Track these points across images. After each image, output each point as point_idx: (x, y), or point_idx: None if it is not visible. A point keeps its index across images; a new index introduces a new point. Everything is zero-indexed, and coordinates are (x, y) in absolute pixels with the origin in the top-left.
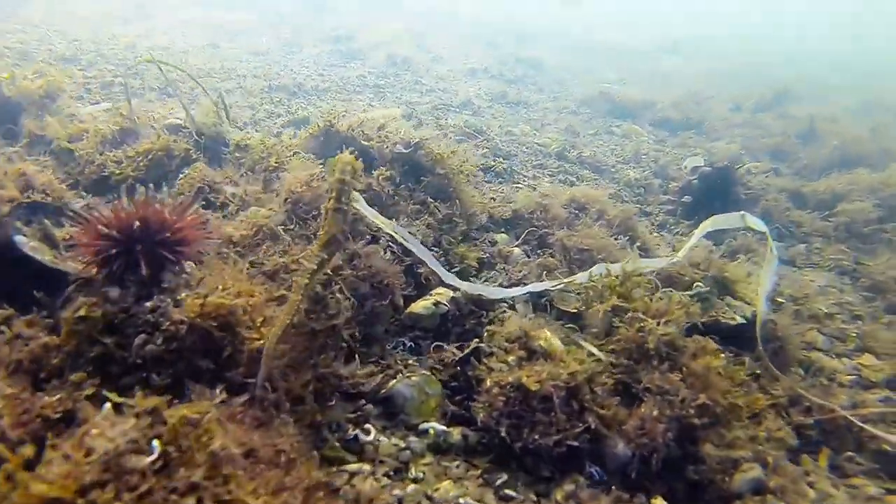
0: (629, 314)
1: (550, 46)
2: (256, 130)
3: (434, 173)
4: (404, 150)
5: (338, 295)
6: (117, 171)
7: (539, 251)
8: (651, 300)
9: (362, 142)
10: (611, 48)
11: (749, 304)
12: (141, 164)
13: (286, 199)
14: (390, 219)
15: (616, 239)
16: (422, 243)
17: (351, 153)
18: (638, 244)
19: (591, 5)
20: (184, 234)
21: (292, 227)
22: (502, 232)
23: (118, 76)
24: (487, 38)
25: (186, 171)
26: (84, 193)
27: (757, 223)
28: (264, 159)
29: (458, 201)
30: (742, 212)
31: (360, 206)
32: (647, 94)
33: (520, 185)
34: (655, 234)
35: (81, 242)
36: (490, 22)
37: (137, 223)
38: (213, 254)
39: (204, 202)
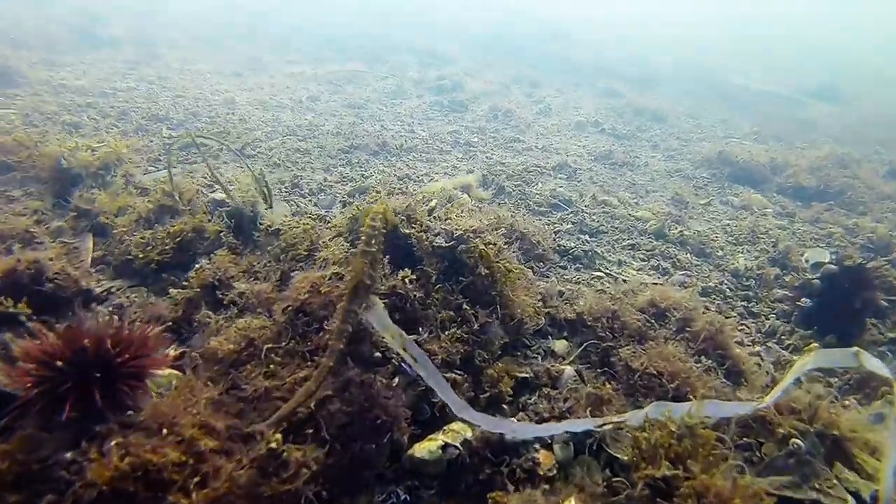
0: (680, 492)
1: (678, 91)
2: (314, 203)
3: (475, 273)
4: (444, 244)
5: (302, 448)
6: (141, 255)
7: (598, 370)
8: (716, 471)
9: (402, 230)
10: (755, 93)
11: (870, 479)
12: (168, 246)
13: (287, 307)
14: (412, 331)
15: (699, 361)
16: (444, 361)
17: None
18: (727, 366)
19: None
20: (139, 364)
21: (288, 342)
22: (563, 337)
23: (198, 136)
24: (605, 85)
25: (202, 263)
26: (105, 279)
27: (878, 367)
28: (293, 247)
29: (498, 307)
30: (856, 349)
31: (371, 314)
32: (778, 154)
33: (600, 273)
34: (758, 348)
35: (23, 368)
36: (610, 61)
37: (86, 350)
38: (177, 382)
39: (211, 301)
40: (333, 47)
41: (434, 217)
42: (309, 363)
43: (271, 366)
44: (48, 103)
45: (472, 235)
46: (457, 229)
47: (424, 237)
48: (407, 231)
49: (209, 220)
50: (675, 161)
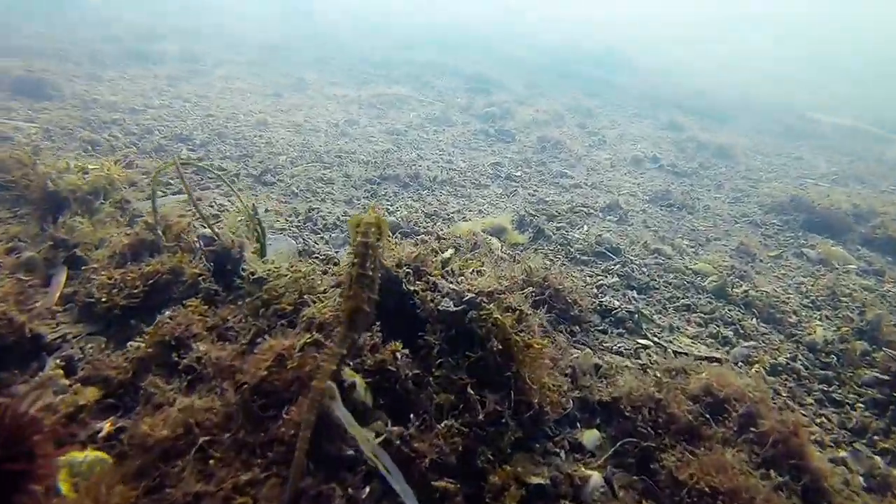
0: None
1: (747, 125)
2: (326, 241)
3: (486, 347)
4: (452, 308)
5: None
6: (104, 299)
7: (635, 477)
8: None
9: (406, 286)
10: (832, 127)
11: None
12: (138, 289)
13: (241, 385)
14: (400, 419)
15: (766, 475)
16: (434, 463)
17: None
18: (804, 481)
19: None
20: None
21: (236, 432)
22: (595, 426)
23: (187, 163)
24: (667, 117)
25: (165, 314)
26: (66, 323)
27: None
28: (277, 299)
29: (513, 392)
30: None
31: (335, 406)
32: (861, 199)
33: (647, 342)
34: (842, 452)
35: None
36: (674, 90)
37: None
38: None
39: (167, 364)
40: (381, 71)
41: (449, 271)
42: (259, 461)
43: (211, 461)
44: (73, 118)
45: (485, 300)
46: (469, 289)
47: (429, 297)
48: (412, 287)
49: (190, 261)
50: (742, 204)
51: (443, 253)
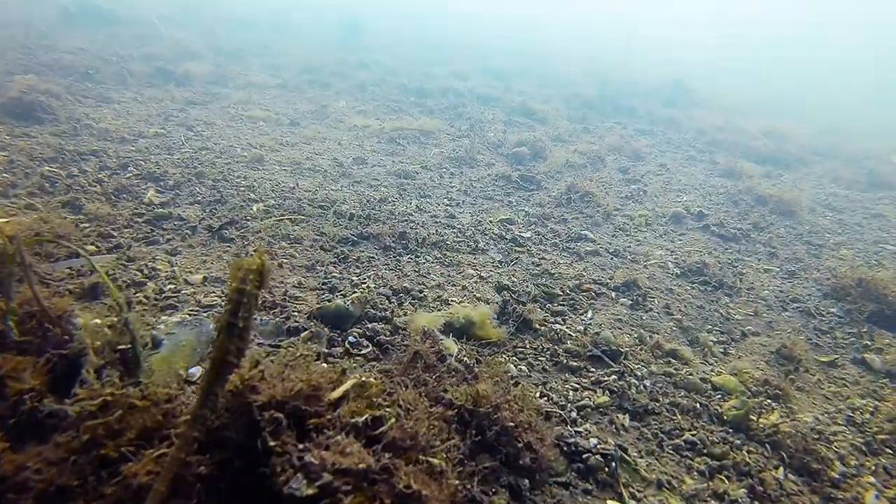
0: None
1: (823, 172)
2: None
3: None
4: (300, 494)
5: None
6: None
7: None
8: None
9: (266, 440)
10: None
11: None
12: None
13: None
14: None
15: None
16: None
17: None
18: None
19: None
20: None
21: None
22: None
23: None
24: (726, 162)
25: None
26: None
27: None
28: (101, 440)
29: None
30: None
31: None
32: None
33: None
34: None
35: None
36: (739, 129)
37: None
38: None
39: None
40: (419, 99)
41: (336, 417)
42: None
43: None
44: (49, 148)
45: (347, 486)
46: (336, 463)
47: (281, 468)
48: (271, 444)
49: (34, 367)
50: (796, 281)
51: (345, 380)
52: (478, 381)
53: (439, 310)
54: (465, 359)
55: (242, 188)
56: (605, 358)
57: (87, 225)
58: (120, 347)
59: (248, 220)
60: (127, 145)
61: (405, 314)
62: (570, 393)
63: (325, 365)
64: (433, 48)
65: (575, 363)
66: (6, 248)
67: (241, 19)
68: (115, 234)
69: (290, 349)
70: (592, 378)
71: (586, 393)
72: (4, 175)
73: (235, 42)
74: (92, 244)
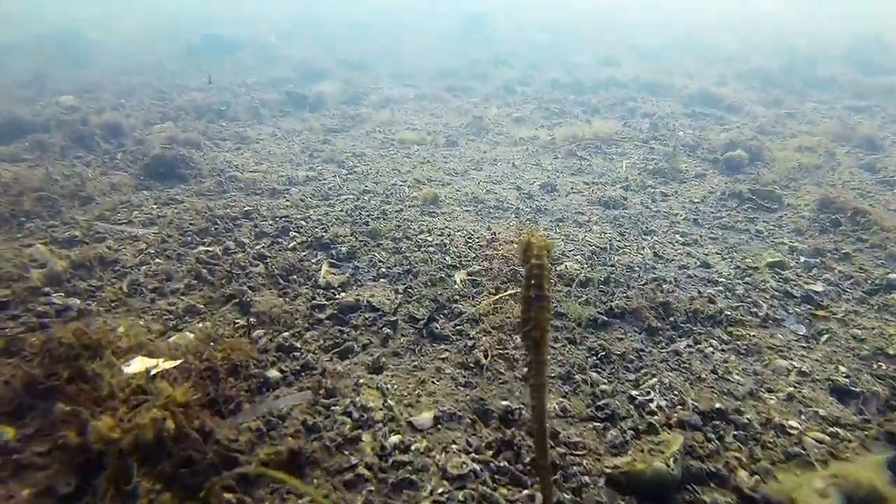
0: None
1: None
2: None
3: None
4: None
5: None
6: None
7: None
8: None
9: None
10: None
11: None
12: None
13: None
14: None
15: None
16: None
17: None
18: None
19: None
20: None
21: None
22: None
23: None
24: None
25: None
26: None
27: None
28: None
29: None
30: None
31: None
32: None
33: None
34: None
35: None
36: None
37: None
38: None
39: None
40: (577, 97)
41: None
42: None
43: None
44: (198, 216)
45: None
46: None
47: None
48: None
49: None
50: None
51: None
52: None
53: (811, 463)
54: None
55: (430, 247)
56: None
57: (260, 332)
58: None
59: (456, 300)
60: (279, 198)
61: (752, 470)
62: None
63: None
64: (562, 33)
65: None
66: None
67: (355, 26)
68: (298, 343)
69: None
70: None
71: None
72: (159, 262)
73: (356, 51)
74: (273, 365)
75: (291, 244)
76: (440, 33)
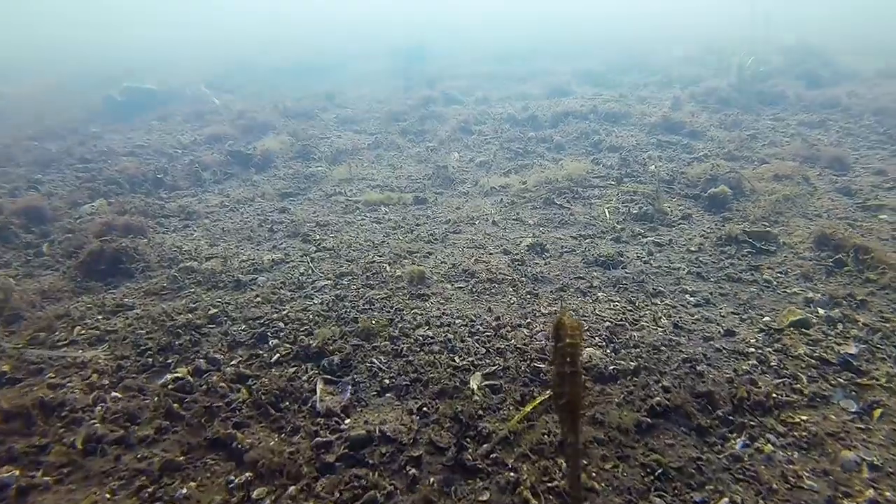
0: None
1: None
2: None
3: None
4: None
5: None
6: None
7: None
8: None
9: None
10: None
11: None
12: None
13: None
14: None
15: None
16: None
17: None
18: None
19: None
20: None
21: None
22: None
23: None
24: None
25: None
26: None
27: None
28: None
29: None
30: None
31: None
32: None
33: None
34: None
35: None
36: None
37: None
38: None
39: None
40: (536, 131)
41: None
42: None
43: None
44: (155, 323)
45: None
46: None
47: None
48: None
49: None
50: None
51: None
52: None
53: None
54: None
55: (434, 346)
56: None
57: (262, 489)
58: None
59: (480, 415)
60: (246, 291)
61: None
62: None
63: None
64: (502, 59)
65: None
66: None
67: (287, 70)
68: (311, 502)
69: None
70: None
71: None
72: (116, 396)
73: (297, 97)
74: None
75: (275, 357)
76: (380, 69)
